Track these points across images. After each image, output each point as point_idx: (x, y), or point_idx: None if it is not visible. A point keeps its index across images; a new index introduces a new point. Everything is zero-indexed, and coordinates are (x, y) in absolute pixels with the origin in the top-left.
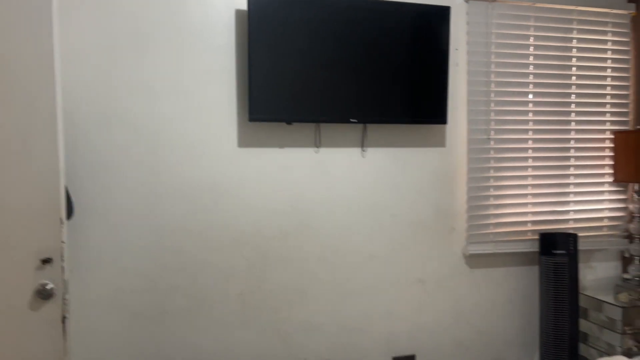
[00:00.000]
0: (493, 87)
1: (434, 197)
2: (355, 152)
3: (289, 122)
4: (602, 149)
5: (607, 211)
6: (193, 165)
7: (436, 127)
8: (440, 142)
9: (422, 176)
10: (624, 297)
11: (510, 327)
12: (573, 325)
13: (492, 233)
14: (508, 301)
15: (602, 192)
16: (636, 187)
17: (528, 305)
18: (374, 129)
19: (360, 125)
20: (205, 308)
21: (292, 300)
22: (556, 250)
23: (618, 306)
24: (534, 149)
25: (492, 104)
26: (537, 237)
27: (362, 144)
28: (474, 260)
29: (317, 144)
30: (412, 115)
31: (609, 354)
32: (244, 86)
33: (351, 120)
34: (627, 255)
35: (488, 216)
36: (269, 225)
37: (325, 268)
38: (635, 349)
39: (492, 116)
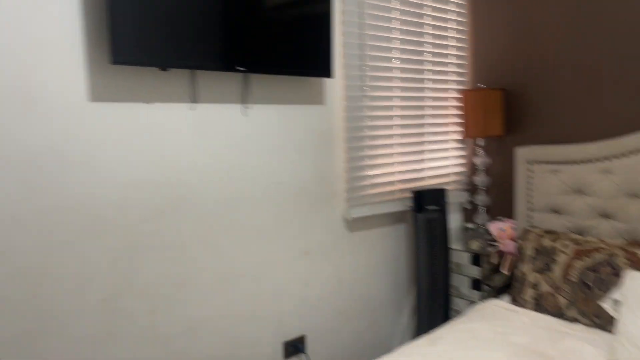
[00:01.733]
0: (367, 41)
1: (317, 161)
2: (236, 109)
3: (163, 68)
4: (449, 107)
5: (453, 167)
6: (22, 126)
7: (318, 83)
8: (321, 99)
9: (305, 137)
10: (475, 244)
11: (385, 288)
12: (446, 278)
13: (369, 195)
14: (382, 262)
15: (449, 149)
16: (481, 142)
17: (400, 263)
18: (257, 82)
19: (242, 78)
20: (55, 327)
21: (170, 297)
22: (429, 206)
23: (475, 252)
24: (399, 107)
25: (367, 59)
26: (407, 195)
27: (245, 100)
28: (354, 225)
29: (194, 98)
30: (299, 67)
31: (472, 302)
32: (98, 13)
33: (238, 68)
34: (468, 207)
35: (365, 177)
36: (137, 203)
37: (207, 251)
38: (486, 291)
39: (367, 72)
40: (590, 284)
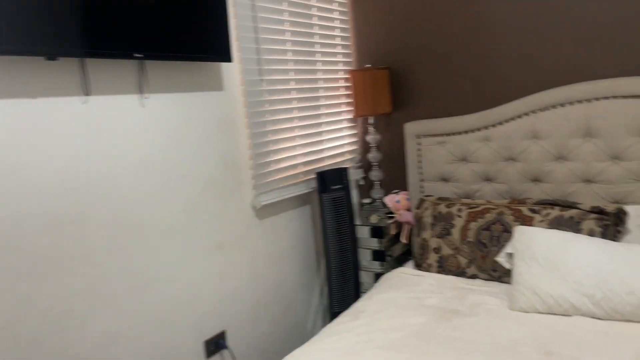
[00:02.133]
0: (260, 24)
1: (221, 149)
2: (133, 100)
3: (50, 57)
4: (340, 88)
5: (348, 146)
6: None
7: (215, 69)
8: (220, 85)
9: (207, 126)
10: (374, 218)
11: (297, 272)
12: (355, 254)
13: (275, 180)
14: (292, 246)
15: (343, 129)
16: (371, 120)
17: (309, 245)
18: (154, 70)
19: (138, 66)
20: None
21: (80, 313)
22: (333, 186)
23: (374, 226)
24: (296, 90)
25: (261, 42)
26: (311, 177)
27: (142, 89)
28: (263, 212)
29: (86, 90)
30: (198, 51)
31: (378, 274)
32: None
33: (136, 55)
34: (363, 183)
35: (269, 163)
36: (31, 215)
37: (115, 258)
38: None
39: (263, 55)
40: (486, 242)
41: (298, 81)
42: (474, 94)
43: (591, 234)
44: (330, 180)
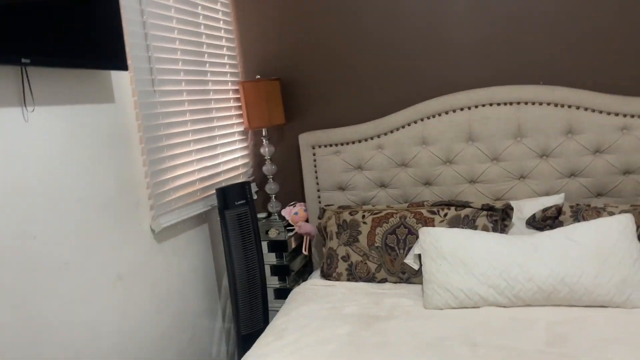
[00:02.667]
0: (150, 30)
1: (115, 168)
2: (16, 113)
3: None
4: (231, 100)
5: (241, 159)
6: None
7: (107, 78)
8: (110, 96)
9: (99, 142)
10: (273, 232)
11: (201, 297)
12: (262, 271)
13: (173, 200)
14: (194, 269)
15: (236, 142)
16: (264, 132)
17: (210, 266)
18: (40, 79)
19: (21, 74)
20: None
21: None
22: (238, 201)
23: (274, 240)
24: (188, 102)
25: (153, 50)
26: (211, 193)
27: (26, 101)
28: (162, 235)
29: None
30: (91, 58)
31: (282, 290)
32: None
33: (24, 60)
34: (255, 197)
35: (167, 181)
36: None
37: (3, 303)
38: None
39: (155, 64)
40: (393, 245)
41: (190, 92)
42: (366, 103)
43: (485, 229)
44: (232, 196)
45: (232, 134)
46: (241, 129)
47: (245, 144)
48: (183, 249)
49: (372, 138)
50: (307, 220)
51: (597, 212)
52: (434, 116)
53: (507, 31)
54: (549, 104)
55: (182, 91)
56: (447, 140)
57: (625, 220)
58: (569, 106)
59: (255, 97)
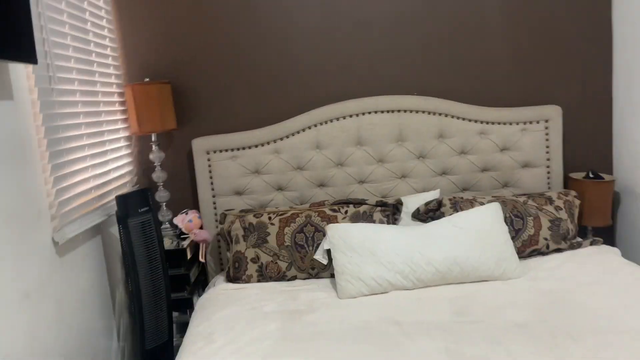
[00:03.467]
0: (49, 23)
1: (13, 174)
2: None
3: None
4: (116, 104)
5: (126, 166)
6: None
7: (4, 71)
8: (9, 93)
9: None
10: (166, 242)
11: (99, 312)
12: (167, 279)
13: (74, 208)
14: (91, 284)
15: (122, 148)
16: (154, 137)
17: (102, 280)
18: None
19: None
20: None
21: None
22: (141, 209)
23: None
24: (82, 103)
25: (50, 44)
26: (104, 201)
27: None
28: (64, 248)
29: None
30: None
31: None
32: None
33: None
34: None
35: (68, 189)
36: None
37: None
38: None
39: (53, 60)
40: (302, 243)
41: (83, 93)
42: (262, 109)
43: (380, 222)
44: (134, 204)
45: (119, 139)
46: (127, 134)
47: (133, 150)
48: (81, 262)
49: (268, 143)
50: (201, 227)
51: (471, 203)
52: (326, 122)
53: (388, 48)
54: (424, 112)
55: (76, 91)
56: (339, 145)
57: (495, 208)
58: (440, 114)
59: (146, 101)
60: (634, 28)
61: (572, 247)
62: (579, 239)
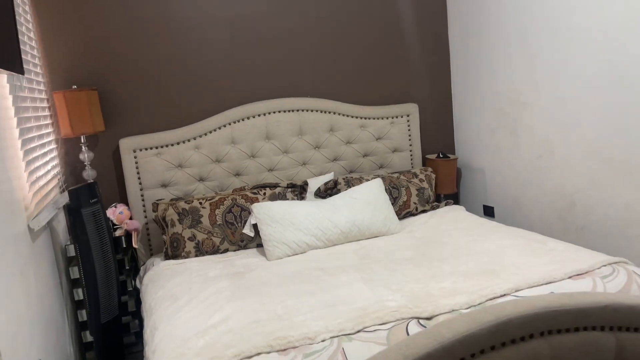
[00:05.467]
0: None
1: None
2: None
3: None
4: (38, 108)
5: (54, 168)
6: None
7: None
8: None
9: None
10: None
11: (58, 289)
12: (115, 260)
13: (41, 200)
14: (52, 266)
15: (51, 150)
16: (82, 139)
17: (62, 261)
18: None
19: None
20: None
21: None
22: (91, 200)
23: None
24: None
25: None
26: (51, 197)
27: None
28: (35, 234)
29: None
30: None
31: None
32: None
33: None
34: None
35: (35, 182)
36: None
37: None
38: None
39: None
40: (232, 221)
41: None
42: (183, 110)
43: (292, 200)
44: (85, 196)
45: (49, 142)
46: (51, 138)
47: (63, 152)
48: (46, 248)
49: (189, 140)
50: (130, 218)
51: (359, 180)
52: (239, 121)
53: (287, 59)
54: (318, 110)
55: (26, 88)
56: (251, 140)
57: (379, 182)
58: (330, 112)
59: (77, 106)
60: (463, 43)
61: (433, 208)
62: (437, 203)
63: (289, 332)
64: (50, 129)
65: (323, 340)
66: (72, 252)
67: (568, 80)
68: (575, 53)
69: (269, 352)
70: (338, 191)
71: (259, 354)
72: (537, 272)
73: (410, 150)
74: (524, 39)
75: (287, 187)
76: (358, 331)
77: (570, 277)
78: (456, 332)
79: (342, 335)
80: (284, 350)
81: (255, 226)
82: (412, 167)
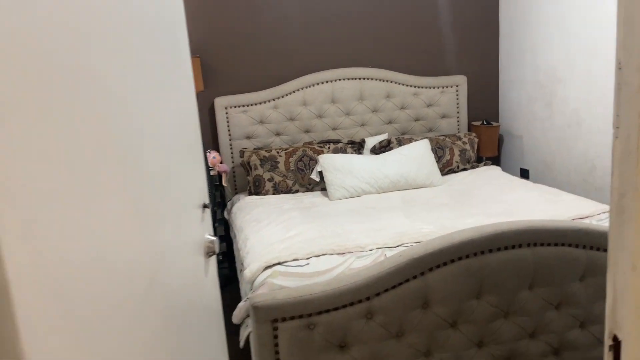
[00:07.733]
0: None
1: None
2: None
3: None
4: None
5: None
6: None
7: None
8: None
9: None
10: None
11: None
12: (213, 192)
13: None
14: None
15: None
16: None
17: None
18: None
19: None
20: None
21: None
22: None
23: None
24: None
25: None
26: None
27: None
28: None
29: None
30: None
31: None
32: None
33: None
34: None
35: None
36: None
37: None
38: None
39: None
40: (302, 168)
41: None
42: (265, 75)
43: (351, 154)
44: None
45: None
46: None
47: None
48: None
49: (269, 101)
50: (221, 162)
51: (409, 140)
52: (310, 86)
53: (351, 32)
54: (377, 79)
55: None
56: (319, 102)
57: (426, 143)
58: (387, 81)
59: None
60: (511, 23)
61: (473, 167)
62: (477, 163)
63: (346, 242)
64: None
65: (371, 250)
66: None
67: (598, 61)
68: (606, 37)
69: (331, 254)
70: (390, 149)
71: (324, 254)
72: (545, 214)
73: (458, 117)
74: (562, 22)
75: (348, 143)
76: (398, 245)
77: (572, 220)
78: (464, 237)
79: (385, 247)
80: (342, 253)
81: (320, 173)
82: (458, 131)
